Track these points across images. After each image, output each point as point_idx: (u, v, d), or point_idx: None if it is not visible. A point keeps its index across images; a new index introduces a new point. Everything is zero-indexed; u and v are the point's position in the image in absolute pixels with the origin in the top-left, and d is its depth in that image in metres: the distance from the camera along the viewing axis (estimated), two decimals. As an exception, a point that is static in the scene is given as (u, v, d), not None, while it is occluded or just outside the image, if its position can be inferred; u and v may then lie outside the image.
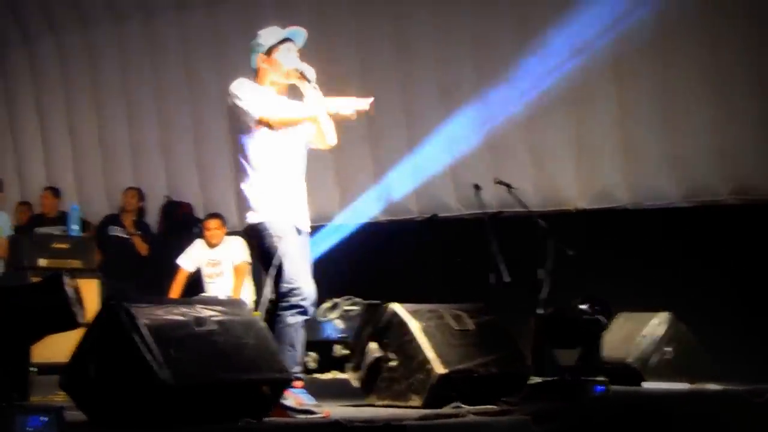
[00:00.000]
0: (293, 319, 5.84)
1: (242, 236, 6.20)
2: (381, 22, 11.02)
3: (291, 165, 6.10)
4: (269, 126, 5.94)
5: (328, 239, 10.92)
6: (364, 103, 6.12)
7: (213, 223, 10.48)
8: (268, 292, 5.93)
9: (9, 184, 12.75)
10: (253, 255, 9.54)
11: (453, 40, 10.73)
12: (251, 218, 5.98)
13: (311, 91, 6.02)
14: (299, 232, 6.08)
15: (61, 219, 11.25)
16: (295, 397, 5.69)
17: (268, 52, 6.09)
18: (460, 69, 10.69)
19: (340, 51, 10.99)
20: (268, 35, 6.14)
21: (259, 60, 6.11)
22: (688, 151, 9.63)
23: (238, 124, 6.00)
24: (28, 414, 4.26)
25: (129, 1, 12.75)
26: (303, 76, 6.04)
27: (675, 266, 9.28)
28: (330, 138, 6.17)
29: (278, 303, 5.85)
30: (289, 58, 6.10)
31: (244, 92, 5.98)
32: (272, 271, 5.86)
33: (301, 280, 5.90)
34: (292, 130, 6.08)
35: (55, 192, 12.01)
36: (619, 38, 9.64)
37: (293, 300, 5.84)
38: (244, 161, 6.00)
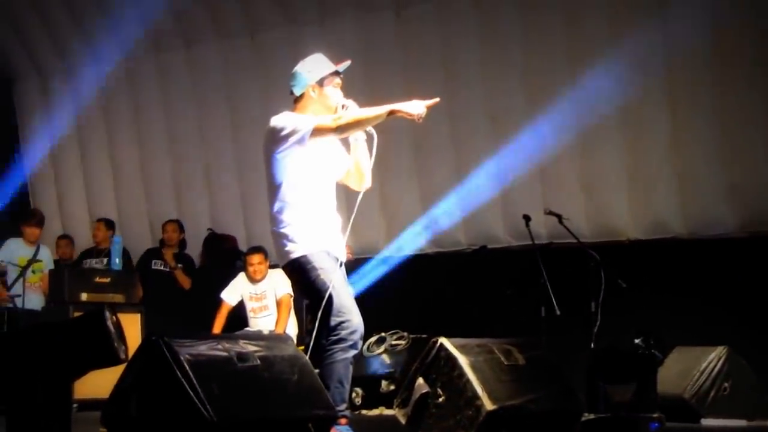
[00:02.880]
0: (343, 354, 5.68)
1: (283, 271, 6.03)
2: (428, 51, 10.87)
3: (327, 197, 6.01)
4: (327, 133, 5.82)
5: (375, 272, 10.79)
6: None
7: (256, 258, 10.27)
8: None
9: (50, 218, 12.67)
10: (294, 290, 9.44)
11: (503, 68, 10.59)
12: (293, 252, 5.84)
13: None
14: (340, 264, 5.96)
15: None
16: (341, 435, 5.60)
17: (321, 82, 5.98)
18: (509, 97, 10.55)
19: (387, 79, 10.86)
20: (321, 64, 6.03)
21: (310, 88, 5.99)
22: (746, 180, 9.46)
23: (280, 146, 5.82)
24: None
25: (170, 31, 12.67)
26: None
27: (732, 298, 9.09)
28: (367, 181, 6.13)
29: (327, 337, 5.69)
30: (336, 92, 6.02)
31: (292, 117, 5.88)
32: (318, 305, 5.72)
33: (351, 312, 5.75)
34: (327, 163, 5.99)
35: (108, 224, 11.85)
36: (673, 66, 9.49)
37: (343, 333, 5.68)
38: (280, 195, 5.87)
